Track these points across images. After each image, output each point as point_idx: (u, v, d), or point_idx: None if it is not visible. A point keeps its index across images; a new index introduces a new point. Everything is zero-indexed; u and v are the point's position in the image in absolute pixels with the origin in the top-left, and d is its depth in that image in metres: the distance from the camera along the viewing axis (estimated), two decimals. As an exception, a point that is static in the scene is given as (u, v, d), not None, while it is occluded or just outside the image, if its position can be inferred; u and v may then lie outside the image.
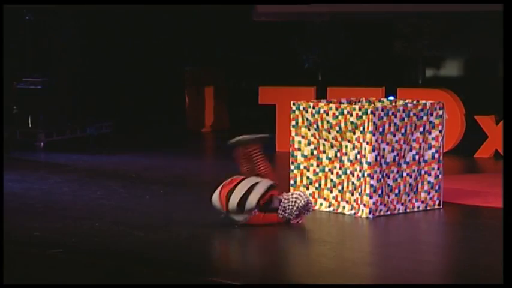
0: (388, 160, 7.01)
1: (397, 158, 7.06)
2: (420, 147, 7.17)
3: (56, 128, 10.69)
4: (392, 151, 7.03)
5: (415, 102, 7.28)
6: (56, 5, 10.84)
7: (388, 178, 7.02)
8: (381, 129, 6.95)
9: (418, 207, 7.21)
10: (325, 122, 7.10)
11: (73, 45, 11.13)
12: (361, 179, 6.97)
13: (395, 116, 7.03)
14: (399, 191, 7.09)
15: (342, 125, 7.02)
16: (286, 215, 6.61)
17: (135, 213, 7.13)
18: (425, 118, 7.19)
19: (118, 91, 11.96)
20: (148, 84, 12.33)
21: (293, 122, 7.30)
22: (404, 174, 7.11)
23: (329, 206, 7.15)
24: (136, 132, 11.92)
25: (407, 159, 7.12)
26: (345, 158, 7.04)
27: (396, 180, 7.08)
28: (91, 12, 11.35)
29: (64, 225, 6.69)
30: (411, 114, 7.12)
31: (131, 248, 6.07)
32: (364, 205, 6.96)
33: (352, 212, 7.03)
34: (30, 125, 10.58)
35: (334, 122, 7.06)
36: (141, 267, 5.67)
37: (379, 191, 6.97)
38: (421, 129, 7.17)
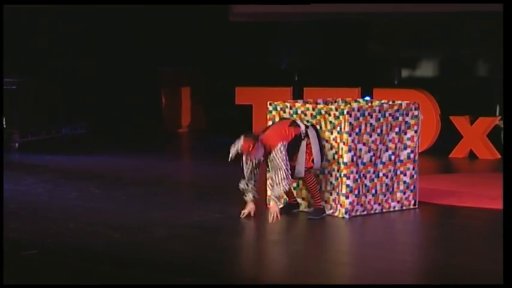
0: (364, 160, 7.03)
1: (373, 158, 7.09)
2: (396, 147, 7.21)
3: (31, 129, 10.61)
4: (369, 151, 7.06)
5: (390, 102, 7.31)
6: (56, 5, 10.79)
7: (365, 178, 7.05)
8: (357, 130, 6.97)
9: (394, 207, 7.25)
10: (304, 122, 7.11)
11: (49, 46, 11.06)
12: (339, 179, 6.99)
13: (371, 117, 7.06)
14: (376, 191, 7.12)
15: (322, 124, 7.03)
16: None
17: (110, 214, 7.09)
18: (400, 118, 7.22)
19: (93, 91, 11.89)
20: (124, 85, 12.27)
21: (270, 122, 7.30)
22: (381, 174, 7.15)
23: (308, 206, 7.16)
24: (112, 132, 11.86)
25: (383, 160, 7.15)
26: (324, 158, 7.06)
27: (373, 180, 7.10)
28: (67, 14, 11.29)
29: (39, 227, 6.64)
30: (387, 114, 7.15)
31: (107, 249, 6.04)
32: (341, 205, 6.98)
33: (331, 211, 7.05)
34: (4, 126, 10.50)
35: (313, 122, 7.07)
36: (117, 268, 5.64)
37: (356, 191, 6.99)
38: (397, 129, 7.21)
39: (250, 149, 6.72)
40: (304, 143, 6.84)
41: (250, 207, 6.92)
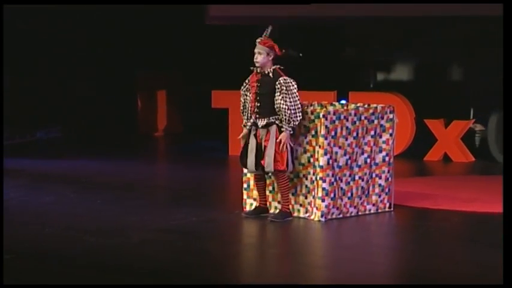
0: (340, 163, 7.06)
1: (349, 161, 7.12)
2: (371, 150, 7.25)
3: (5, 132, 10.52)
4: (345, 154, 7.09)
5: (366, 106, 7.35)
6: (55, 5, 10.73)
7: (341, 181, 7.08)
8: (333, 133, 7.00)
9: (370, 210, 7.28)
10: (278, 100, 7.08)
11: (23, 48, 10.98)
12: (314, 182, 7.01)
13: (347, 120, 7.09)
14: (352, 194, 7.15)
15: (296, 128, 7.05)
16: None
17: (86, 218, 7.06)
18: (376, 122, 7.26)
19: (68, 95, 11.83)
20: (100, 88, 12.22)
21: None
22: (357, 177, 7.18)
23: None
24: (87, 136, 11.80)
25: (359, 163, 7.19)
26: (296, 162, 7.08)
27: (349, 183, 7.13)
28: (43, 16, 11.22)
29: (14, 231, 6.59)
30: (362, 117, 7.19)
31: (83, 254, 6.01)
32: (317, 208, 7.00)
33: (307, 215, 7.06)
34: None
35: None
36: (92, 272, 5.61)
37: (332, 194, 7.02)
38: (372, 132, 7.25)
39: (271, 44, 6.77)
40: (273, 135, 6.81)
41: (244, 132, 6.93)
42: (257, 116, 6.88)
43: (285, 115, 6.76)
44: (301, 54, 6.92)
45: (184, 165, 10.06)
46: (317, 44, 12.08)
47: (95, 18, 11.92)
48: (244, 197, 7.34)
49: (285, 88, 6.77)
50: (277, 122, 6.83)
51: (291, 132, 6.83)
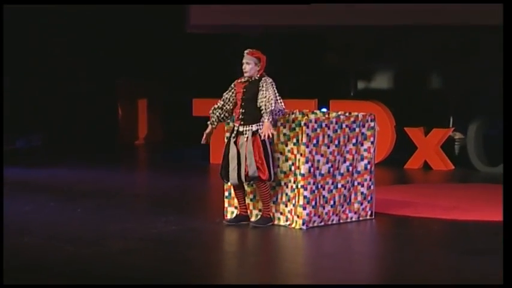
0: (323, 172, 7.08)
1: (331, 169, 7.13)
2: (353, 158, 7.27)
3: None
4: (327, 163, 7.10)
5: (347, 114, 7.38)
6: (55, 5, 10.67)
7: (323, 189, 7.09)
8: (314, 141, 7.02)
9: (351, 217, 7.30)
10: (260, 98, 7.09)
11: (3, 56, 10.91)
12: (295, 190, 7.02)
13: (329, 128, 7.11)
14: (334, 202, 7.17)
15: (275, 137, 7.07)
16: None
17: (66, 228, 7.01)
18: (357, 130, 7.29)
19: (48, 103, 11.77)
20: (80, 96, 12.17)
21: (227, 134, 7.31)
22: (339, 185, 7.19)
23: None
24: (67, 144, 11.74)
25: (341, 171, 7.20)
26: (277, 170, 7.09)
27: (331, 191, 7.15)
28: (24, 23, 11.16)
29: (-7, 241, 6.53)
30: (344, 126, 7.21)
31: (63, 263, 5.97)
32: (298, 216, 7.01)
33: (287, 223, 7.07)
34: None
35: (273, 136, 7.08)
36: (73, 281, 5.57)
37: (313, 202, 7.03)
38: (354, 140, 7.27)
39: (261, 56, 6.93)
40: (250, 144, 6.84)
41: (208, 130, 7.09)
42: (241, 122, 6.92)
43: (267, 105, 6.82)
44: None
45: (165, 173, 10.03)
46: (298, 53, 12.12)
47: (75, 26, 11.88)
48: (226, 205, 7.33)
49: (265, 84, 6.92)
50: (259, 130, 6.87)
51: (272, 123, 6.86)
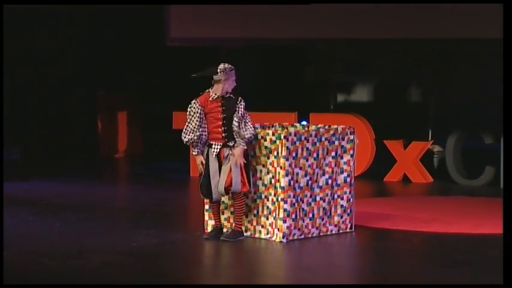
0: (301, 184, 7.09)
1: (310, 182, 7.15)
2: (333, 171, 7.29)
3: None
4: (306, 175, 7.12)
5: (326, 127, 7.41)
6: (55, 5, 10.60)
7: (302, 202, 7.10)
8: (294, 154, 7.04)
9: (331, 230, 7.32)
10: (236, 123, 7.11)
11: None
12: (276, 203, 7.03)
13: (308, 141, 7.14)
14: (313, 215, 7.18)
15: (257, 149, 7.08)
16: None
17: (45, 242, 6.97)
18: (337, 143, 7.32)
19: (27, 116, 11.70)
20: (60, 109, 12.11)
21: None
22: (318, 198, 7.21)
23: (245, 231, 7.17)
24: (46, 158, 11.67)
25: (320, 184, 7.23)
26: (259, 183, 7.10)
27: (310, 204, 7.16)
28: (6, 35, 11.10)
29: (-29, 255, 6.48)
30: (323, 139, 7.24)
31: (42, 277, 5.92)
32: (278, 229, 7.01)
33: (268, 236, 7.07)
34: None
35: (249, 147, 7.11)
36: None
37: (293, 215, 7.04)
38: (333, 153, 7.30)
39: (232, 69, 6.91)
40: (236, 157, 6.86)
41: (200, 159, 6.94)
42: (226, 140, 6.91)
43: (246, 132, 6.84)
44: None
45: (145, 186, 10.00)
46: (277, 66, 12.16)
47: (55, 39, 11.84)
48: (206, 218, 7.32)
49: (242, 107, 6.92)
50: (241, 144, 6.87)
51: (245, 147, 6.86)
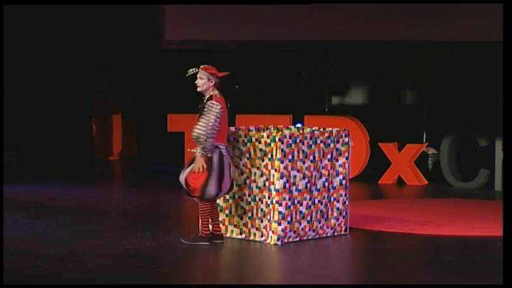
0: (300, 187, 7.09)
1: (308, 185, 7.15)
2: (329, 174, 7.30)
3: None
4: (304, 178, 7.12)
5: (321, 129, 7.42)
6: (56, 5, 10.58)
7: (301, 205, 7.09)
8: (290, 157, 7.04)
9: (327, 233, 7.32)
10: (236, 149, 7.15)
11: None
12: (270, 205, 7.03)
13: (303, 143, 7.14)
14: (311, 217, 7.18)
15: (252, 152, 7.08)
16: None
17: (39, 244, 6.95)
18: (332, 145, 7.33)
19: (22, 119, 11.68)
20: (54, 112, 12.10)
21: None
22: (316, 201, 7.21)
23: (240, 233, 7.17)
24: (41, 160, 11.65)
25: (318, 186, 7.22)
26: (253, 185, 7.10)
27: (309, 207, 7.15)
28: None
29: (-35, 258, 6.46)
30: (318, 141, 7.25)
31: (35, 280, 5.91)
32: (273, 232, 7.01)
33: (262, 238, 7.07)
34: None
35: (244, 149, 7.11)
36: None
37: (289, 218, 7.04)
38: (329, 156, 7.31)
39: (213, 71, 6.79)
40: (227, 160, 6.82)
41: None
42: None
43: (200, 139, 6.67)
44: (237, 86, 7.00)
45: (140, 189, 9.99)
46: (272, 68, 12.17)
47: (49, 41, 11.83)
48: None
49: (206, 110, 6.74)
50: (220, 147, 6.79)
51: (207, 155, 6.71)
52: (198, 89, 6.87)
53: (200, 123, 6.72)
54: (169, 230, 7.57)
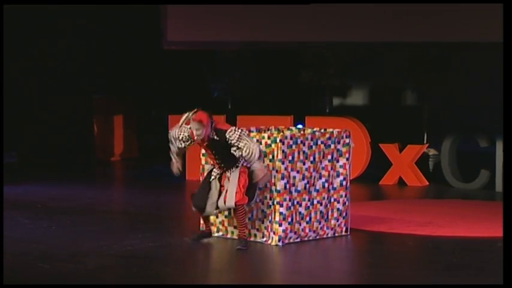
0: (299, 188, 7.10)
1: (307, 185, 7.16)
2: (329, 174, 7.30)
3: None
4: (303, 179, 7.13)
5: (322, 130, 7.43)
6: (56, 5, 10.60)
7: (300, 206, 7.11)
8: (290, 158, 7.05)
9: (328, 234, 7.33)
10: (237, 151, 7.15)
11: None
12: (271, 206, 7.03)
13: (304, 144, 7.15)
14: (310, 218, 7.18)
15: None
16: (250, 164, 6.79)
17: (40, 245, 6.96)
18: (332, 146, 7.33)
19: (23, 119, 11.69)
20: (56, 112, 12.11)
21: (203, 151, 7.32)
22: (315, 202, 7.22)
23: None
24: (43, 161, 11.66)
25: (317, 187, 7.23)
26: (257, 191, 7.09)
27: (308, 208, 7.16)
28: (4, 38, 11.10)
29: (-34, 258, 6.47)
30: (319, 142, 7.25)
31: (37, 280, 5.92)
32: (274, 233, 7.02)
33: (263, 239, 7.08)
34: None
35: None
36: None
37: (289, 219, 7.05)
38: (329, 157, 7.31)
39: (206, 118, 6.73)
40: (237, 171, 6.85)
41: (178, 164, 7.00)
42: (224, 168, 6.89)
43: (251, 158, 6.77)
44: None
45: (141, 190, 10.00)
46: (273, 69, 12.18)
47: (51, 43, 11.84)
48: (201, 221, 7.32)
49: (235, 139, 6.78)
50: (244, 164, 6.85)
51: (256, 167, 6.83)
52: (200, 138, 6.82)
53: (244, 146, 6.72)
54: (170, 231, 7.58)
